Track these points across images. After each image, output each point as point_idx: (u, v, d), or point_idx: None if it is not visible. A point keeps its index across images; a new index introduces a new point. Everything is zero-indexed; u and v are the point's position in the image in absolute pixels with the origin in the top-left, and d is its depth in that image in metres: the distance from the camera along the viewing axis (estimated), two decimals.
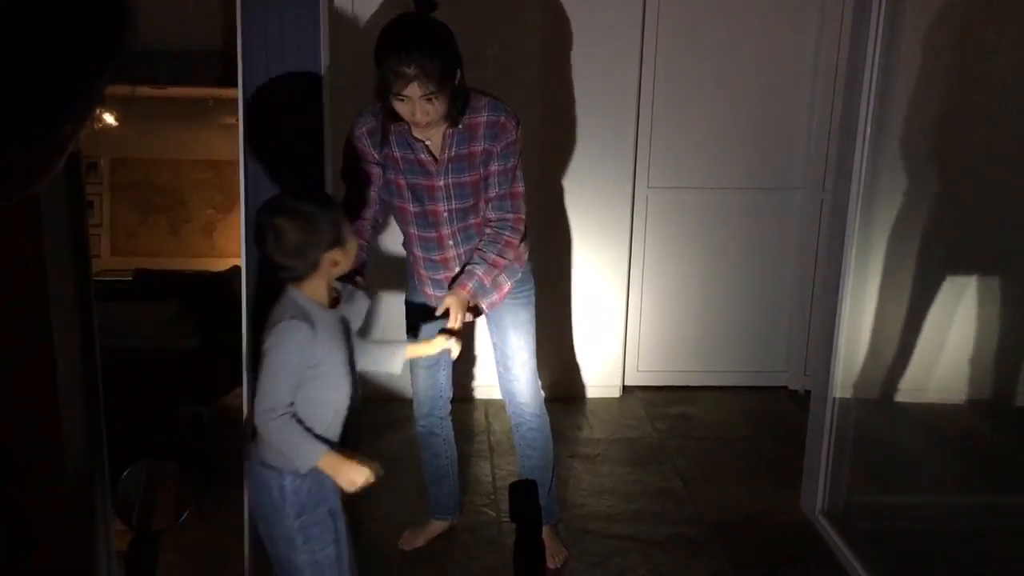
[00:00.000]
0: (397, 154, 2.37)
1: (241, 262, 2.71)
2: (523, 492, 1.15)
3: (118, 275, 6.40)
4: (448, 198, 2.39)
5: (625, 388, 4.11)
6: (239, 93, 2.53)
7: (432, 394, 2.68)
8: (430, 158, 2.36)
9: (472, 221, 2.44)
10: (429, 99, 2.18)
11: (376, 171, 2.41)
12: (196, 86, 5.79)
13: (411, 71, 2.12)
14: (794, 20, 3.81)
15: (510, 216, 2.40)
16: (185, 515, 1.17)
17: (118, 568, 1.38)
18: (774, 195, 3.97)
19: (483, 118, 2.35)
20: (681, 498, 3.13)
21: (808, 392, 3.39)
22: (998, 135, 2.59)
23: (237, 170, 2.58)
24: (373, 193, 2.42)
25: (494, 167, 2.38)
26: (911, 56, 2.68)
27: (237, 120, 2.56)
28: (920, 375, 3.17)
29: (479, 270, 2.33)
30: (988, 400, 3.03)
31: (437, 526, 2.78)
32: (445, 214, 2.41)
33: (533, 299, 2.61)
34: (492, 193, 2.40)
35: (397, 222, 2.55)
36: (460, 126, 2.34)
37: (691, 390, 4.11)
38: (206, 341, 4.03)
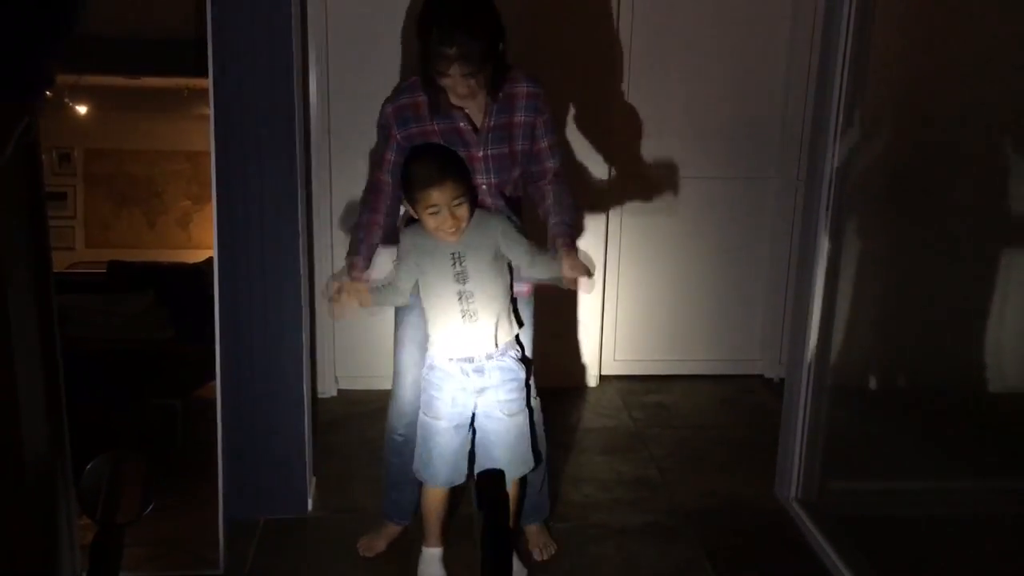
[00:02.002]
0: (435, 127, 2.32)
1: (214, 253, 2.70)
2: (489, 481, 1.15)
3: (92, 267, 6.34)
4: (487, 171, 2.35)
5: (602, 378, 4.12)
6: (209, 84, 2.52)
7: (419, 391, 2.55)
8: (470, 127, 2.33)
9: (509, 196, 2.42)
10: (472, 75, 2.18)
11: (389, 156, 2.37)
12: (170, 76, 5.74)
13: (452, 52, 2.12)
14: (767, 11, 3.82)
15: (564, 190, 2.45)
16: (150, 508, 1.16)
17: (82, 562, 1.37)
18: (749, 184, 3.98)
19: (522, 88, 2.35)
20: (656, 486, 3.15)
21: (783, 380, 3.41)
22: (966, 120, 2.61)
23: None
24: (388, 178, 2.38)
25: (542, 144, 2.41)
26: (881, 44, 2.69)
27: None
28: (893, 362, 3.19)
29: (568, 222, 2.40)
30: (959, 386, 3.05)
31: (395, 529, 2.70)
32: (484, 187, 2.36)
33: (533, 300, 2.54)
34: (547, 165, 2.43)
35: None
36: (500, 95, 2.33)
37: (668, 379, 4.13)
38: (181, 333, 4.00)
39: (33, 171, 1.25)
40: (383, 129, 2.39)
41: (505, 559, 1.08)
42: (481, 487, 1.17)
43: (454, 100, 2.30)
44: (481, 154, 2.34)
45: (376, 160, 2.43)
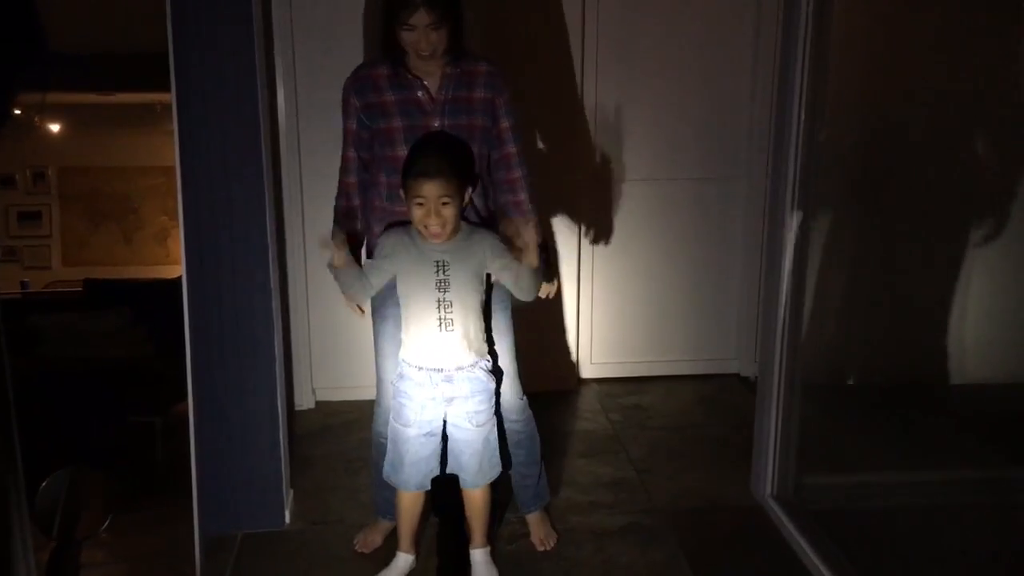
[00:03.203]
0: (392, 97, 2.38)
1: (182, 268, 2.70)
2: (445, 489, 1.16)
3: (69, 286, 6.32)
4: None
5: (580, 381, 4.14)
6: (172, 98, 2.52)
7: None
8: (427, 97, 2.38)
9: (482, 213, 2.46)
10: (435, 27, 2.25)
11: (351, 126, 2.44)
12: (142, 91, 5.73)
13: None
14: (732, 15, 3.85)
15: (527, 174, 2.52)
16: (107, 522, 1.16)
17: None
18: (719, 185, 4.02)
19: (481, 67, 2.43)
20: (635, 487, 3.16)
21: (757, 376, 3.43)
22: (927, 118, 2.65)
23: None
24: (352, 153, 2.47)
25: (504, 123, 2.46)
26: (839, 46, 2.73)
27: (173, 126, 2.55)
28: (863, 357, 3.23)
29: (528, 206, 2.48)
30: (928, 379, 3.09)
31: (387, 525, 2.76)
32: None
33: (510, 301, 2.57)
34: (509, 149, 2.48)
35: (382, 176, 2.46)
36: (459, 70, 2.39)
37: (645, 380, 4.15)
38: (158, 349, 3.99)
39: None
40: (344, 103, 2.45)
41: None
42: (437, 495, 1.18)
43: (414, 63, 2.36)
44: (438, 124, 2.39)
45: (343, 135, 2.49)
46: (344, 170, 2.52)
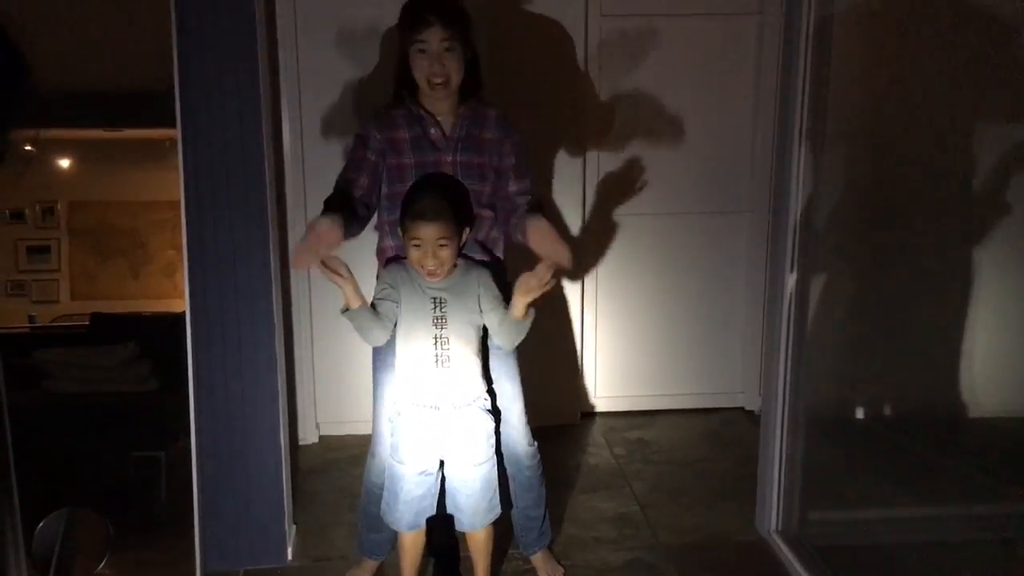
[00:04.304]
0: (405, 135, 2.41)
1: (185, 303, 2.72)
2: (440, 529, 1.16)
3: (76, 320, 6.35)
4: (457, 177, 2.41)
5: (584, 415, 4.13)
6: (178, 135, 2.55)
7: None
8: (440, 134, 2.41)
9: (477, 209, 2.45)
10: (448, 49, 2.31)
11: (369, 156, 2.42)
12: (150, 127, 5.80)
13: (432, 16, 2.29)
14: (734, 51, 3.89)
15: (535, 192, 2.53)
16: (103, 563, 1.17)
17: None
18: (723, 219, 4.03)
19: (493, 111, 2.48)
20: (639, 523, 3.14)
21: (761, 411, 3.42)
22: (928, 150, 2.66)
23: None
24: (365, 179, 2.42)
25: (512, 161, 2.48)
26: (839, 81, 2.75)
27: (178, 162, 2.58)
28: (867, 391, 3.21)
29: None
30: (934, 414, 3.08)
31: (373, 565, 2.71)
32: None
33: (515, 353, 2.56)
34: (521, 185, 2.49)
35: (386, 216, 2.46)
36: (472, 112, 2.43)
37: (650, 414, 4.15)
38: (163, 384, 4.01)
39: None
40: (363, 137, 2.44)
41: None
42: (432, 536, 1.18)
43: (428, 100, 2.39)
44: (450, 159, 2.41)
45: (349, 162, 2.46)
46: (352, 168, 2.45)
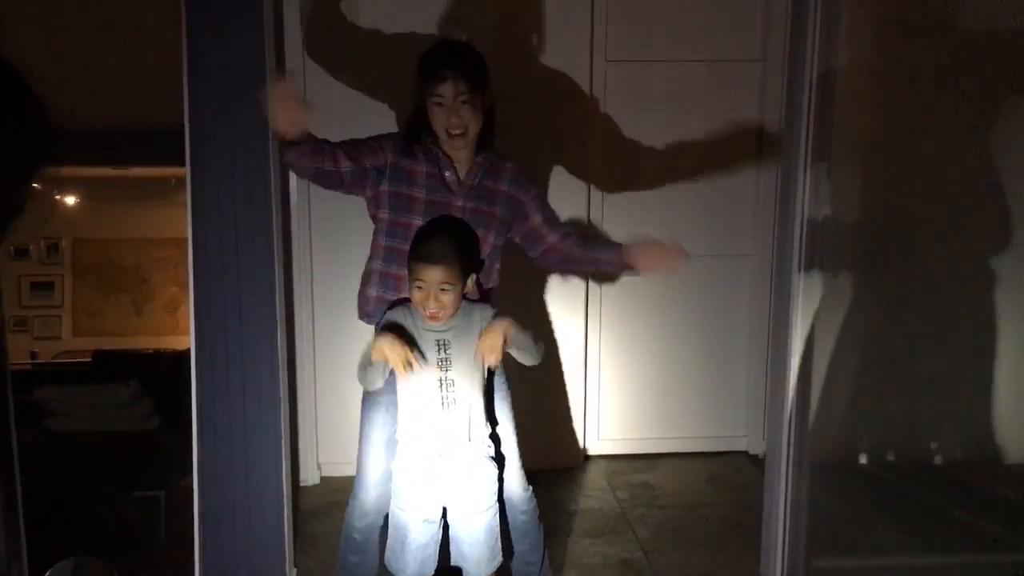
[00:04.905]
0: (423, 168, 2.41)
1: (191, 343, 2.71)
2: None
3: (77, 356, 6.35)
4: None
5: (587, 457, 4.11)
6: (187, 173, 2.57)
7: (382, 490, 2.48)
8: (455, 178, 2.42)
9: (484, 285, 2.46)
10: (464, 102, 2.32)
11: (367, 163, 2.38)
12: (157, 166, 5.85)
13: (449, 71, 2.31)
14: (737, 96, 3.92)
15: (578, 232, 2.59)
16: None
17: None
18: (726, 262, 4.04)
19: (509, 165, 2.51)
20: (641, 569, 3.11)
21: (765, 456, 3.40)
22: (935, 190, 2.67)
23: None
24: (343, 157, 2.36)
25: (538, 218, 2.52)
26: (843, 126, 2.77)
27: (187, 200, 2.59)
28: (874, 435, 3.20)
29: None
30: (942, 461, 3.06)
31: None
32: None
33: (509, 391, 2.56)
34: (552, 239, 2.54)
35: (385, 240, 2.43)
36: (488, 163, 2.45)
37: (653, 457, 4.12)
38: (164, 423, 3.99)
39: None
40: (376, 139, 2.42)
41: None
42: None
43: (445, 144, 2.40)
44: (461, 204, 2.41)
45: (351, 146, 2.40)
46: (346, 145, 2.40)
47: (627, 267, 2.56)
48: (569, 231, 2.56)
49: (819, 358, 2.92)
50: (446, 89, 2.31)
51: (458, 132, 2.35)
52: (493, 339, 2.20)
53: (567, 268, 2.63)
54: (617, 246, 2.56)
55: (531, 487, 2.61)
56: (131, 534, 3.56)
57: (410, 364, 2.13)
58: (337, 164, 2.35)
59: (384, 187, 2.40)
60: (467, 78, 2.32)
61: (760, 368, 4.03)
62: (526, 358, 2.33)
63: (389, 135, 2.47)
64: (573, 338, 3.97)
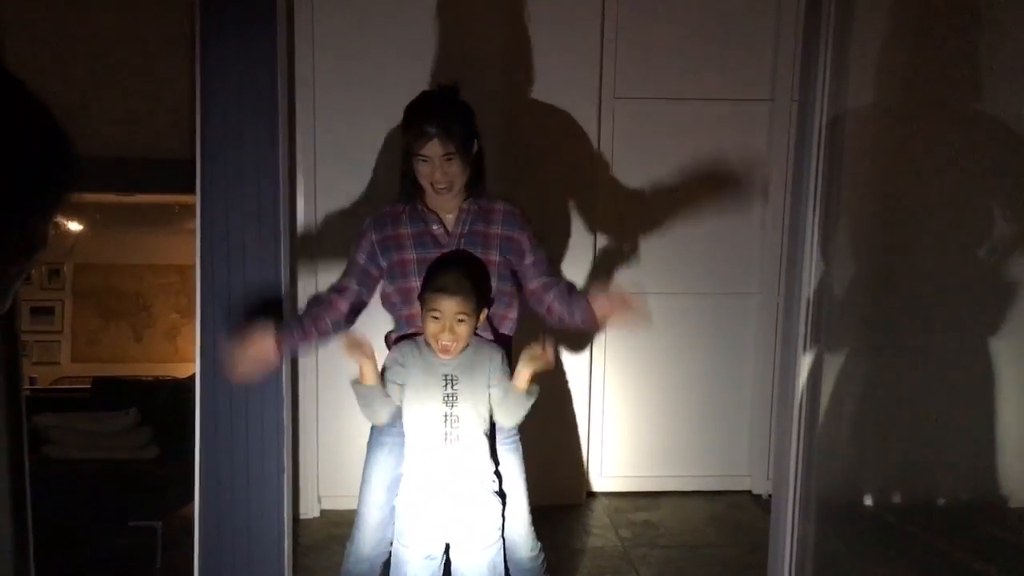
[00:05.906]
0: (408, 231, 2.39)
1: (196, 368, 2.69)
2: None
3: (77, 383, 6.31)
4: None
5: (589, 494, 4.07)
6: (197, 200, 2.57)
7: (382, 535, 2.46)
8: (443, 231, 2.40)
9: (500, 331, 2.43)
10: (449, 159, 2.29)
11: (360, 261, 2.42)
12: (162, 193, 5.85)
13: (432, 130, 2.27)
14: (745, 134, 3.94)
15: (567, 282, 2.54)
16: None
17: None
18: (732, 300, 4.03)
19: (499, 207, 2.45)
20: None
21: (771, 496, 3.37)
22: (940, 234, 2.67)
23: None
24: (354, 286, 2.41)
25: (530, 259, 2.47)
26: (853, 166, 2.77)
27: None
28: (881, 477, 3.17)
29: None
30: (947, 503, 3.03)
31: None
32: None
33: (520, 441, 2.52)
34: (543, 280, 2.48)
35: (395, 311, 2.44)
36: (477, 207, 2.41)
37: (656, 495, 4.08)
38: (162, 452, 3.95)
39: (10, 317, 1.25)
40: (360, 237, 2.44)
41: None
42: None
43: (432, 199, 2.38)
44: None
45: (347, 266, 2.45)
46: (336, 291, 2.44)
47: (593, 323, 2.47)
48: (554, 280, 2.50)
49: (825, 398, 2.91)
50: (431, 148, 2.29)
51: (443, 187, 2.34)
52: (540, 361, 2.21)
53: (543, 315, 2.54)
54: (587, 299, 2.48)
55: (540, 544, 2.55)
56: (127, 564, 3.51)
57: (358, 346, 2.17)
58: (339, 305, 2.41)
59: (384, 264, 2.40)
60: (451, 136, 2.29)
61: (764, 407, 4.01)
62: (506, 416, 2.29)
63: (369, 223, 2.44)
64: (578, 374, 3.95)
